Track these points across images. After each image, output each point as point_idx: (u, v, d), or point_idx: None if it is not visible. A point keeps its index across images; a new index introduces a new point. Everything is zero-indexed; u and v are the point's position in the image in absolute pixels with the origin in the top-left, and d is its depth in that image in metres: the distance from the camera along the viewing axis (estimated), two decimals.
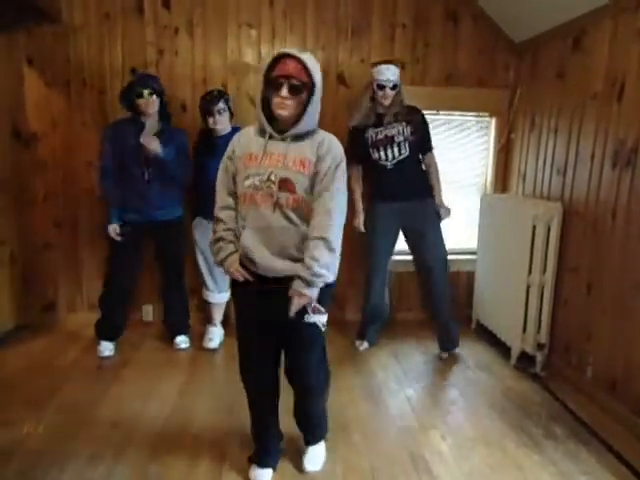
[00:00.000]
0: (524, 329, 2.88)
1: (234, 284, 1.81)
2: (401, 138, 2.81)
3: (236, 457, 2.00)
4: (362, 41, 3.27)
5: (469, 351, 3.13)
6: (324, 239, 1.58)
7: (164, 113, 2.84)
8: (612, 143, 2.43)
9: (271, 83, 1.60)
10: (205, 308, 3.22)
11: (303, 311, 1.65)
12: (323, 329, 1.72)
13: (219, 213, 1.75)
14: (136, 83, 2.73)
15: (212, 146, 2.84)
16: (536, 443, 2.16)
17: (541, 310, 2.85)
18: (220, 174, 1.76)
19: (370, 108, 2.83)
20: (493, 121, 3.51)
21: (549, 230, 2.77)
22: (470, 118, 3.50)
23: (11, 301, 3.16)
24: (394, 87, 2.75)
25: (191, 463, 1.97)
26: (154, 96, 2.72)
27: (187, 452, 2.03)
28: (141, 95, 2.69)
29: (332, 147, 1.66)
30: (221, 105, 2.81)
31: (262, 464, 1.91)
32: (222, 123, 2.84)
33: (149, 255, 3.02)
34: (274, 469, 1.93)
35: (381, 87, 2.74)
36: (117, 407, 2.36)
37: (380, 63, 2.77)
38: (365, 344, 3.14)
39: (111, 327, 2.96)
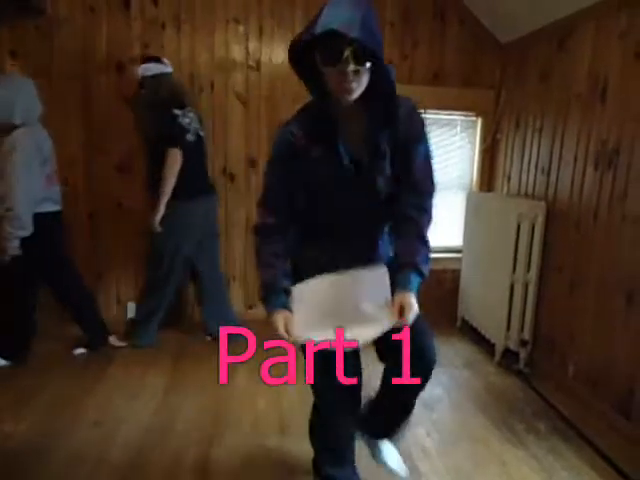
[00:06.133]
0: (508, 326, 2.92)
1: None
2: None
3: (224, 448, 2.01)
4: None
5: (454, 348, 3.16)
6: None
7: None
8: (595, 144, 2.47)
9: None
10: None
11: None
12: None
13: None
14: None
15: None
16: (519, 439, 2.19)
17: (525, 308, 2.89)
18: None
19: None
20: (479, 121, 3.54)
21: (533, 229, 2.81)
22: (456, 117, 3.52)
23: None
24: None
25: (178, 456, 1.96)
26: None
27: (174, 447, 2.03)
28: None
29: None
30: None
31: None
32: None
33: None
34: None
35: None
36: (102, 404, 2.34)
37: None
38: None
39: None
